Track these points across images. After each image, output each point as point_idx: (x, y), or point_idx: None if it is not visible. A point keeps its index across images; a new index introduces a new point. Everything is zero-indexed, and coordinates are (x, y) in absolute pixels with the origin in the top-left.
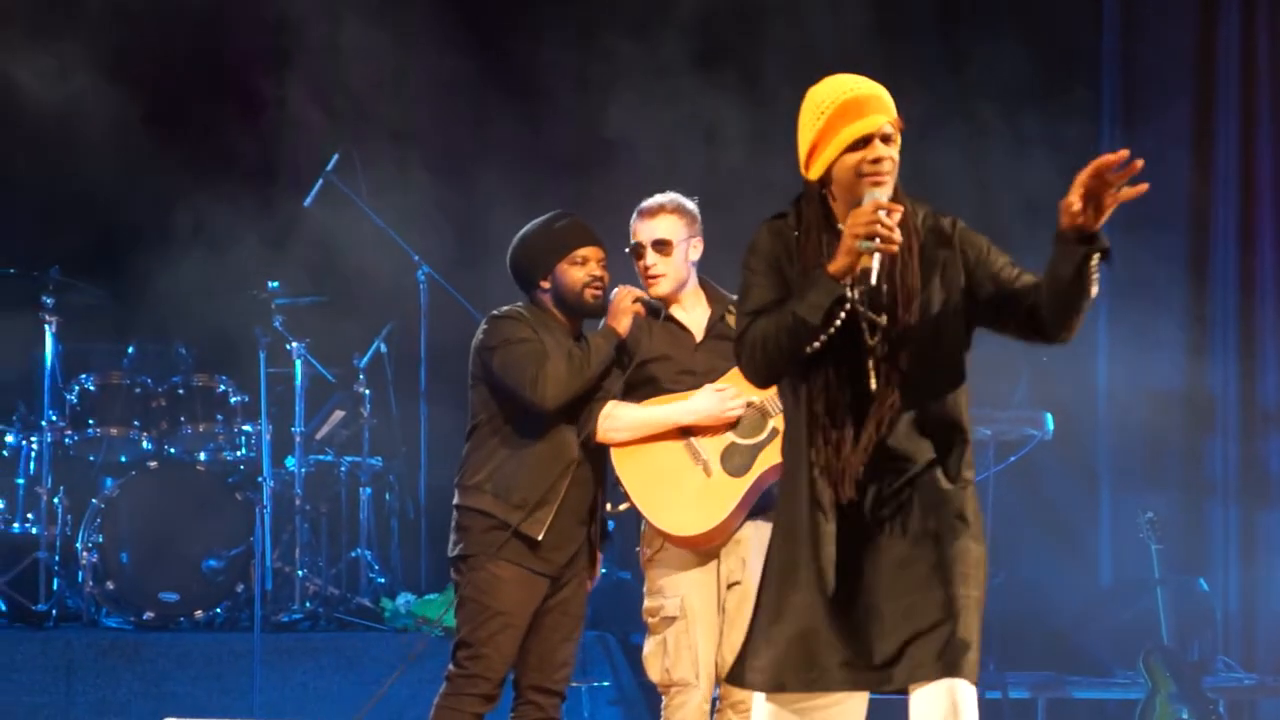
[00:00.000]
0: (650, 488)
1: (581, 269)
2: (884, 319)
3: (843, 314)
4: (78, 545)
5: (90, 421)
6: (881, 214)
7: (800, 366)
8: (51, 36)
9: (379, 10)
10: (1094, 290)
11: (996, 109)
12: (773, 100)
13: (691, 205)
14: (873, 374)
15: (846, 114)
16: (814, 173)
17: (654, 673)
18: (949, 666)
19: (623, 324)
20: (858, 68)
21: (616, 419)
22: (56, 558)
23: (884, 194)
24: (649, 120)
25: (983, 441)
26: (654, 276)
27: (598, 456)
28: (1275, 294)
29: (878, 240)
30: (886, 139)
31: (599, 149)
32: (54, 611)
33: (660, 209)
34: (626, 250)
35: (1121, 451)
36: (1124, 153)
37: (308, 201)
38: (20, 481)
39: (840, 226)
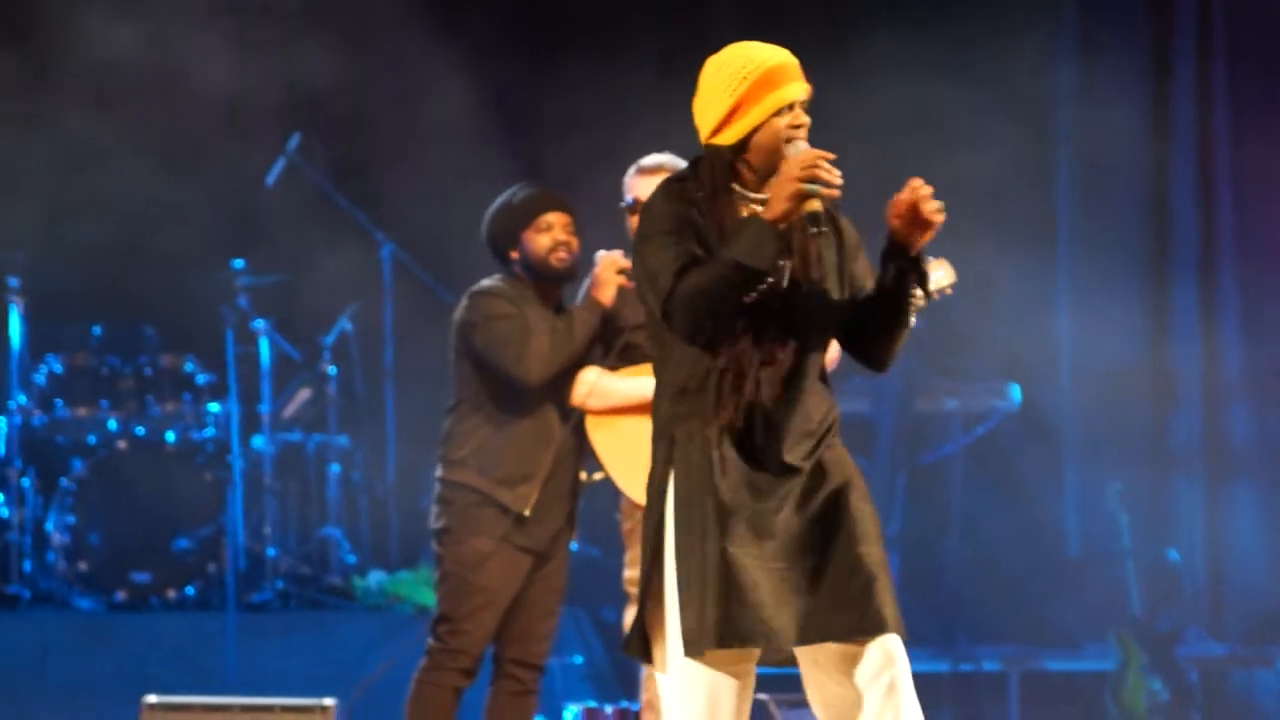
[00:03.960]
0: (625, 458)
1: (546, 235)
2: (784, 281)
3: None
4: (48, 527)
5: (58, 402)
6: (822, 161)
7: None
8: None
9: None
10: (912, 322)
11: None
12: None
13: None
14: (774, 335)
15: (772, 80)
16: (729, 137)
17: None
18: (877, 624)
19: (606, 294)
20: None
21: (601, 390)
22: (27, 539)
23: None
24: (605, 94)
25: (950, 414)
26: None
27: (578, 430)
28: (1235, 263)
29: (820, 185)
30: (804, 106)
31: (560, 122)
32: (26, 594)
33: (659, 167)
34: (621, 205)
35: (1087, 424)
36: (916, 183)
37: (270, 180)
38: None
39: (743, 191)
